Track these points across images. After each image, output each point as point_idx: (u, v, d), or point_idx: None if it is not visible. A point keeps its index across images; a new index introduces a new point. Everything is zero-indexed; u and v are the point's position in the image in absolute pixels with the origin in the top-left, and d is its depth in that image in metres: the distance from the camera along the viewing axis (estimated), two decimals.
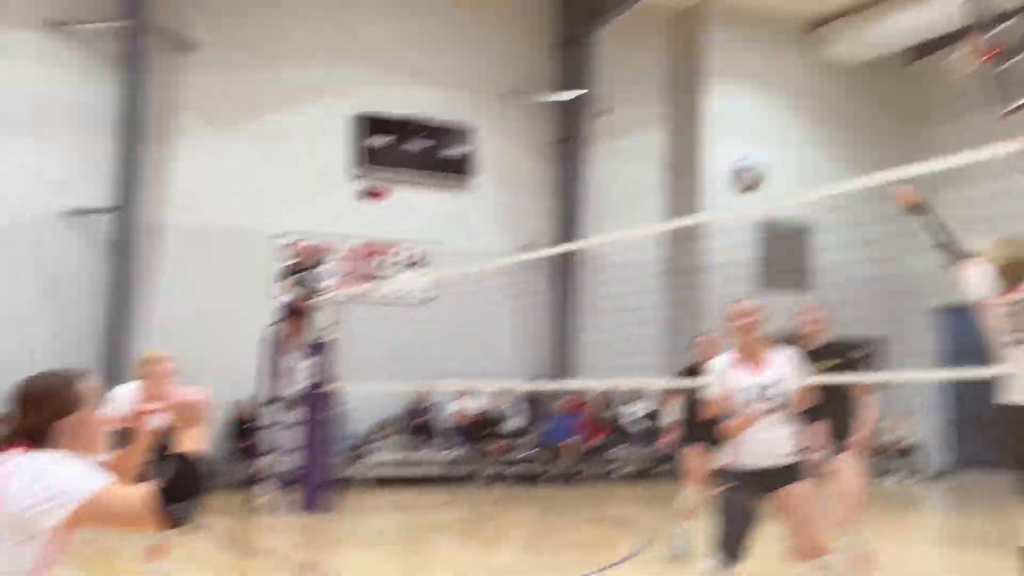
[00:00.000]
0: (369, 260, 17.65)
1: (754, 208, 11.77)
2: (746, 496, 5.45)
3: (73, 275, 15.51)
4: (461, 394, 17.47)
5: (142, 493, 2.83)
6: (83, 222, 15.56)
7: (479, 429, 17.04)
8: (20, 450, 2.88)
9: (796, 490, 5.51)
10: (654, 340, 17.52)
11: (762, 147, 15.14)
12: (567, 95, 18.37)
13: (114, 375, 13.62)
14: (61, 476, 2.81)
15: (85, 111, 15.69)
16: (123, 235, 15.44)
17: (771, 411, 5.51)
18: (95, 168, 15.66)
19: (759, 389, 5.53)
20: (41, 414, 2.94)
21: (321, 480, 12.76)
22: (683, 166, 19.15)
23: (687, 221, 8.89)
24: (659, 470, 17.37)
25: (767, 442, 5.50)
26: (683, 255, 17.72)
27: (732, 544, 5.44)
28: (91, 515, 2.80)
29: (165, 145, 16.18)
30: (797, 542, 5.53)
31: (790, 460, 5.57)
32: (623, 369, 11.68)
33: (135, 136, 15.45)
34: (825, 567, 5.52)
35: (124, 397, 6.27)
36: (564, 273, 17.91)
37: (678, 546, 8.64)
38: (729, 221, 14.78)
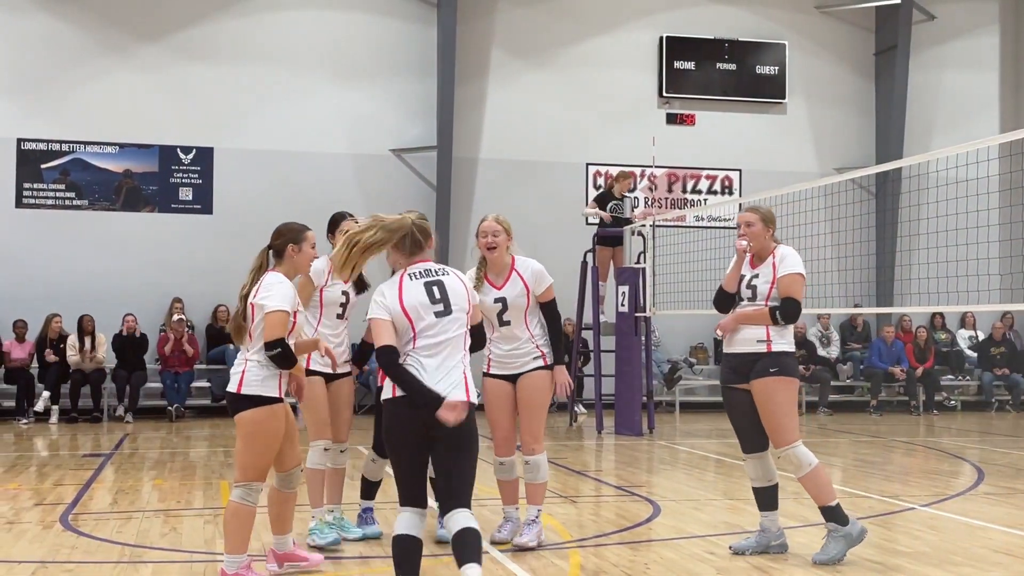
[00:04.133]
0: (678, 186, 17.53)
1: None
2: None
3: (395, 208, 16.58)
4: None
5: None
6: (406, 158, 16.55)
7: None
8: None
9: None
10: (986, 264, 16.31)
11: None
12: (885, 0, 17.20)
13: None
14: None
15: (408, 55, 16.56)
16: (442, 171, 16.24)
17: None
18: (416, 108, 16.54)
19: None
20: None
21: (636, 404, 12.98)
22: None
23: None
24: (992, 399, 16.32)
25: None
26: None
27: None
28: None
29: (477, 83, 16.78)
30: None
31: None
32: (951, 295, 10.91)
33: (451, 76, 16.12)
34: None
35: None
36: (884, 194, 16.95)
37: None
38: None
